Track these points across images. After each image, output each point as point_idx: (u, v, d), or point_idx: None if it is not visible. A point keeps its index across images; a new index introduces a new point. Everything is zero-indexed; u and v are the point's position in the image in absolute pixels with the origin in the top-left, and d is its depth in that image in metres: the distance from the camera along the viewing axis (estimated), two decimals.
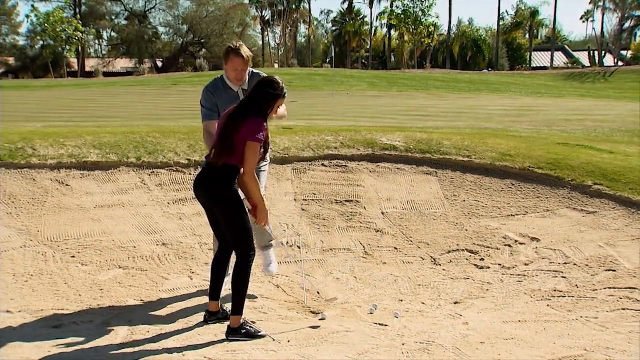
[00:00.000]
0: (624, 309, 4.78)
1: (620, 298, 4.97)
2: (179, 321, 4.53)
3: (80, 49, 61.65)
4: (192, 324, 4.49)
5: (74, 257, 5.58)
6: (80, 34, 55.98)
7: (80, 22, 56.81)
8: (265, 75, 4.69)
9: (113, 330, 4.31)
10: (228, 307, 4.43)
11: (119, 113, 17.35)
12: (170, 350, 3.98)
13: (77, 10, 65.78)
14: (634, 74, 46.96)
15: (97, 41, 73.44)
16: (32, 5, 60.50)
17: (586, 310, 4.82)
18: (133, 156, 7.32)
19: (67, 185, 6.67)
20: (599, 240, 6.14)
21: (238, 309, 4.23)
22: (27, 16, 61.45)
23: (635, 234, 6.21)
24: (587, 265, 5.66)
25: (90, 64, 66.23)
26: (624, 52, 65.97)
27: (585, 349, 4.07)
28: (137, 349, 4.02)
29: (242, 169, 4.25)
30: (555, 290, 5.22)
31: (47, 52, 57.84)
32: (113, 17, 70.34)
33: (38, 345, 3.95)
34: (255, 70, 5.06)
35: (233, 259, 4.43)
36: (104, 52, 75.82)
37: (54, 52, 57.91)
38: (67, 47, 57.70)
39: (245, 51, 4.85)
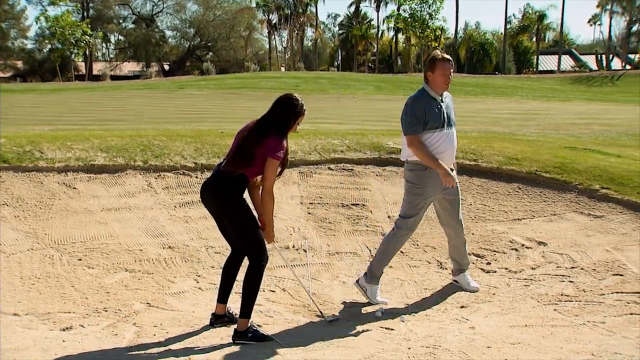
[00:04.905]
0: (631, 314, 4.74)
1: (628, 303, 4.93)
2: (185, 324, 4.54)
3: (87, 53, 61.98)
4: (198, 327, 4.49)
5: (80, 260, 5.60)
6: (88, 38, 56.29)
7: (89, 26, 57.13)
8: None
9: (119, 333, 4.32)
10: (234, 310, 4.43)
11: (126, 116, 17.41)
12: (176, 353, 3.99)
13: (85, 13, 66.21)
14: None
15: (104, 44, 73.84)
16: (44, 7, 60.69)
17: (593, 314, 4.79)
18: (140, 159, 7.34)
19: (74, 188, 6.70)
20: (606, 245, 6.10)
21: (246, 313, 4.24)
22: (37, 19, 61.69)
23: None
24: (594, 269, 5.63)
25: (97, 68, 66.68)
26: (631, 56, 65.85)
27: (593, 353, 4.04)
28: (143, 352, 4.03)
29: (253, 181, 4.30)
30: (562, 295, 5.19)
31: (55, 56, 58.15)
32: (120, 21, 70.88)
33: (45, 348, 3.96)
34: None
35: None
36: (111, 56, 76.27)
37: (62, 55, 58.22)
38: (75, 51, 58.02)
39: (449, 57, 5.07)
